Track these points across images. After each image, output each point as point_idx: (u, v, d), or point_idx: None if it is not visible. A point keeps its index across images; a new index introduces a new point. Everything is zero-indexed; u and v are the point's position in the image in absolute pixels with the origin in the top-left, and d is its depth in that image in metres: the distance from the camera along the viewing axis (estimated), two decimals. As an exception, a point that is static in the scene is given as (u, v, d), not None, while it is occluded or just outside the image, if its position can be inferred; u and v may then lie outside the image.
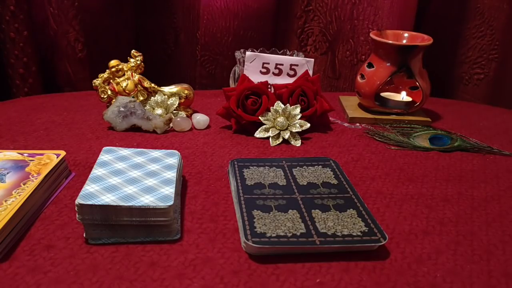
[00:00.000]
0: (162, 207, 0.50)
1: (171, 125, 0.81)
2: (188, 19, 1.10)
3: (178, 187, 0.58)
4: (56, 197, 0.59)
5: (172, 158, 0.62)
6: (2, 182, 0.56)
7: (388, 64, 0.85)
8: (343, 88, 1.15)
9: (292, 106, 0.80)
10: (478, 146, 0.79)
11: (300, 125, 0.79)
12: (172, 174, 0.57)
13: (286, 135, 0.78)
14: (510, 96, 1.09)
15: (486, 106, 1.05)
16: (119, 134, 0.79)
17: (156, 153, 0.63)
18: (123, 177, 0.55)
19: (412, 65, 0.84)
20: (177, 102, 0.84)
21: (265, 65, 0.87)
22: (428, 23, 1.15)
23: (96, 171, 0.56)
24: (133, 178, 0.56)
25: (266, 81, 0.84)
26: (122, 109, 0.79)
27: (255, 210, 0.55)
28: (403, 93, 0.92)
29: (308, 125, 0.79)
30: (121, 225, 0.50)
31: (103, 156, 0.60)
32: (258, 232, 0.51)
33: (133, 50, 0.84)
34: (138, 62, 0.84)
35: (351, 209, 0.56)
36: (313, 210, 0.55)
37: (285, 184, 0.62)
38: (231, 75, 0.95)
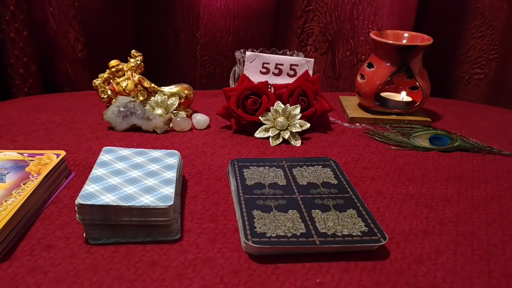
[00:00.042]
0: (162, 207, 0.50)
1: (171, 125, 0.81)
2: (188, 19, 1.10)
3: (178, 187, 0.58)
4: (56, 197, 0.59)
5: (172, 158, 0.62)
6: (2, 182, 0.56)
7: (388, 64, 0.85)
8: (343, 88, 1.15)
9: (292, 106, 0.80)
10: (478, 146, 0.79)
11: (300, 125, 0.79)
12: (172, 174, 0.57)
13: (286, 135, 0.78)
14: (510, 96, 1.09)
15: (486, 106, 1.05)
16: (119, 134, 0.79)
17: (156, 153, 0.63)
18: (123, 177, 0.55)
19: (412, 65, 0.84)
20: (177, 102, 0.84)
21: (265, 65, 0.87)
22: (428, 23, 1.15)
23: (96, 171, 0.56)
24: (133, 178, 0.56)
25: (266, 81, 0.84)
26: (122, 109, 0.79)
27: (255, 210, 0.55)
28: (403, 93, 0.92)
29: (308, 125, 0.79)
30: (121, 225, 0.50)
31: (103, 156, 0.60)
32: (258, 232, 0.51)
33: (133, 50, 0.84)
34: (138, 62, 0.84)
35: (351, 209, 0.56)
36: (313, 210, 0.55)
37: (285, 184, 0.62)
38: (231, 75, 0.95)
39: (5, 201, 0.52)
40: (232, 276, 0.47)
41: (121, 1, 1.07)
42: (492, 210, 0.61)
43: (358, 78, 0.90)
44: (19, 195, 0.53)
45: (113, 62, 0.83)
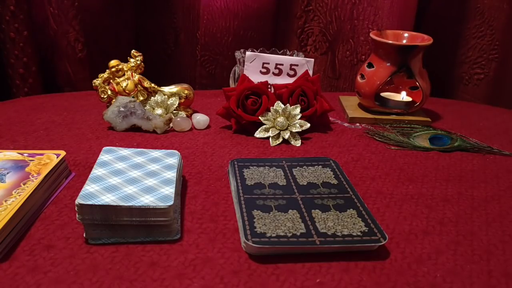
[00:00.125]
0: (162, 207, 0.50)
1: (171, 125, 0.81)
2: (188, 19, 1.10)
3: (178, 187, 0.58)
4: (56, 197, 0.59)
5: (172, 158, 0.62)
6: (2, 182, 0.56)
7: (388, 64, 0.85)
8: (343, 88, 1.15)
9: (292, 106, 0.80)
10: (478, 146, 0.79)
11: (300, 125, 0.79)
12: (172, 174, 0.57)
13: (286, 135, 0.78)
14: (510, 96, 1.09)
15: (486, 106, 1.05)
16: (119, 134, 0.79)
17: (156, 153, 0.63)
18: (123, 177, 0.55)
19: (412, 65, 0.84)
20: (177, 102, 0.84)
21: (265, 65, 0.87)
22: (428, 23, 1.15)
23: (96, 171, 0.56)
24: (133, 178, 0.56)
25: (266, 81, 0.84)
26: (122, 109, 0.79)
27: (255, 210, 0.55)
28: (403, 93, 0.92)
29: (308, 125, 0.79)
30: (121, 225, 0.50)
31: (103, 156, 0.60)
32: (258, 232, 0.51)
33: (133, 50, 0.84)
34: (138, 62, 0.84)
35: (351, 209, 0.56)
36: (313, 210, 0.55)
37: (285, 184, 0.62)
38: (231, 75, 0.95)
39: (5, 201, 0.52)
40: (232, 276, 0.47)
41: (121, 1, 1.07)
42: (492, 210, 0.61)
43: (358, 78, 0.90)
44: (19, 195, 0.53)
45: (113, 62, 0.83)
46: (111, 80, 0.83)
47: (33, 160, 0.62)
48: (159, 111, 0.82)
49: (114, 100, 0.82)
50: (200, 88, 1.12)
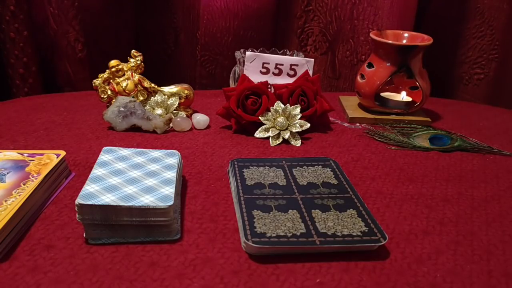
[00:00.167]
0: (162, 207, 0.50)
1: (171, 125, 0.81)
2: (188, 19, 1.10)
3: (178, 187, 0.58)
4: (56, 197, 0.59)
5: (172, 158, 0.62)
6: (2, 182, 0.56)
7: (388, 64, 0.85)
8: (343, 88, 1.15)
9: (292, 106, 0.80)
10: (478, 146, 0.79)
11: (300, 125, 0.79)
12: (172, 174, 0.57)
13: (286, 135, 0.78)
14: (510, 96, 1.09)
15: (486, 106, 1.05)
16: (119, 134, 0.79)
17: (156, 153, 0.63)
18: (123, 177, 0.55)
19: (412, 65, 0.84)
20: (177, 102, 0.84)
21: (265, 65, 0.87)
22: (428, 23, 1.15)
23: (96, 171, 0.56)
24: (133, 178, 0.56)
25: (266, 81, 0.84)
26: (122, 109, 0.79)
27: (255, 210, 0.55)
28: (403, 93, 0.92)
29: (308, 125, 0.79)
30: (121, 225, 0.50)
31: (103, 156, 0.60)
32: (258, 232, 0.51)
33: (133, 50, 0.84)
34: (138, 62, 0.84)
35: (351, 209, 0.56)
36: (313, 210, 0.55)
37: (285, 184, 0.62)
38: (231, 75, 0.95)
39: (5, 201, 0.52)
40: (232, 276, 0.47)
41: (121, 1, 1.07)
42: (492, 210, 0.61)
43: (358, 78, 0.90)
44: (19, 195, 0.53)
45: (113, 62, 0.83)
46: (111, 80, 0.83)
47: (33, 160, 0.62)
48: (159, 111, 0.82)
49: (114, 100, 0.82)
50: (200, 88, 1.12)
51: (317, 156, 0.73)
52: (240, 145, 0.76)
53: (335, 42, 1.13)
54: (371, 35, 0.86)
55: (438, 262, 0.50)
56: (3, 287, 0.44)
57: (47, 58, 1.03)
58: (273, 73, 0.87)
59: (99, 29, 1.06)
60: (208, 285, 0.45)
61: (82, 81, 1.05)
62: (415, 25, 1.08)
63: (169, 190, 0.53)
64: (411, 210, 0.60)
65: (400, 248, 0.52)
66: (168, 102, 0.83)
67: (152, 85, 0.85)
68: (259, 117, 0.79)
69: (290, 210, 0.55)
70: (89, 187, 0.52)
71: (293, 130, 0.79)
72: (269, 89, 0.83)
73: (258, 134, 0.79)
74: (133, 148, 0.64)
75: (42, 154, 0.64)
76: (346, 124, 0.87)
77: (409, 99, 0.91)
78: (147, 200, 0.51)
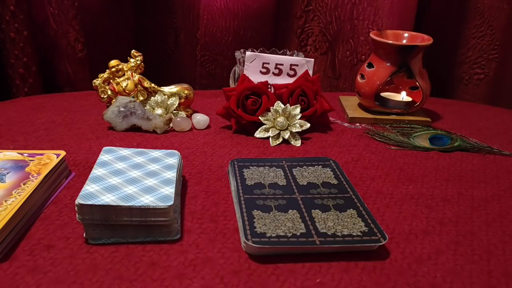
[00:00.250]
0: (162, 207, 0.50)
1: (171, 125, 0.81)
2: (188, 19, 1.10)
3: (178, 187, 0.58)
4: (56, 197, 0.59)
5: (172, 158, 0.62)
6: (2, 182, 0.56)
7: (388, 64, 0.85)
8: (343, 88, 1.15)
9: (292, 106, 0.80)
10: (478, 146, 0.79)
11: (300, 125, 0.79)
12: (172, 174, 0.57)
13: (286, 135, 0.78)
14: (510, 96, 1.09)
15: (486, 106, 1.06)
16: (119, 134, 0.79)
17: (156, 153, 0.63)
18: (123, 177, 0.55)
19: (412, 65, 0.84)
20: (177, 102, 0.84)
21: (265, 65, 0.87)
22: (428, 23, 1.15)
23: (96, 171, 0.56)
24: (133, 178, 0.56)
25: (266, 81, 0.84)
26: (122, 109, 0.79)
27: (255, 210, 0.55)
28: (403, 93, 0.92)
29: (308, 125, 0.79)
30: (121, 225, 0.50)
31: (103, 156, 0.60)
32: (258, 232, 0.51)
33: (133, 50, 0.84)
34: (138, 62, 0.84)
35: (351, 209, 0.56)
36: (313, 210, 0.55)
37: (285, 184, 0.62)
38: (231, 75, 0.95)
39: (5, 201, 0.52)
40: (232, 276, 0.47)
41: (121, 1, 1.07)
42: (492, 210, 0.61)
43: (358, 78, 0.90)
44: (19, 195, 0.53)
45: (113, 62, 0.83)
46: (111, 80, 0.83)
47: (33, 160, 0.62)
48: (159, 111, 0.82)
49: (114, 100, 0.82)
50: (200, 88, 1.12)
51: (317, 156, 0.73)
52: (240, 145, 0.76)
53: (335, 42, 1.13)
54: (371, 35, 0.86)
55: (438, 262, 0.50)
56: (3, 287, 0.44)
57: (47, 58, 1.03)
58: (273, 73, 0.87)
59: (99, 29, 1.06)
60: (208, 285, 0.45)
61: (82, 81, 1.05)
62: (415, 25, 1.08)
63: (169, 190, 0.53)
64: (411, 210, 0.60)
65: (400, 248, 0.52)
66: (168, 102, 0.83)
67: (152, 85, 0.85)
68: (259, 117, 0.79)
69: (290, 210, 0.55)
70: (89, 187, 0.52)
71: (293, 130, 0.79)
72: (269, 89, 0.83)
73: (258, 134, 0.79)
74: (133, 148, 0.64)
75: (42, 154, 0.64)
76: (346, 124, 0.87)
77: (409, 99, 0.91)
78: (147, 200, 0.51)
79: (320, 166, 0.67)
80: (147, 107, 0.83)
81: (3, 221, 0.48)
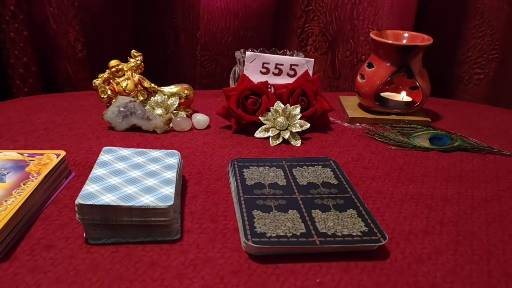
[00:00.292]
0: (162, 207, 0.50)
1: (171, 125, 0.81)
2: (188, 19, 1.10)
3: (178, 187, 0.58)
4: (56, 197, 0.59)
5: (172, 158, 0.62)
6: (2, 182, 0.56)
7: (388, 64, 0.85)
8: (343, 88, 1.15)
9: (292, 106, 0.80)
10: (478, 146, 0.79)
11: (300, 125, 0.79)
12: (172, 174, 0.57)
13: (286, 135, 0.78)
14: (510, 96, 1.09)
15: (486, 106, 1.06)
16: (119, 134, 0.79)
17: (156, 153, 0.63)
18: (123, 177, 0.55)
19: (412, 65, 0.84)
20: (177, 102, 0.84)
21: (265, 65, 0.87)
22: (428, 23, 1.15)
23: (96, 171, 0.56)
24: (133, 178, 0.56)
25: (266, 81, 0.84)
26: (122, 109, 0.79)
27: (255, 210, 0.55)
28: (403, 93, 0.92)
29: (308, 125, 0.79)
30: (121, 225, 0.50)
31: (103, 156, 0.60)
32: (258, 232, 0.51)
33: (133, 50, 0.84)
34: (138, 62, 0.84)
35: (351, 209, 0.56)
36: (313, 210, 0.55)
37: (285, 184, 0.62)
38: (231, 75, 0.95)
39: (5, 201, 0.52)
40: (232, 276, 0.47)
41: (121, 1, 1.07)
42: (492, 210, 0.61)
43: (358, 78, 0.90)
44: (19, 195, 0.53)
45: (113, 62, 0.83)
46: (111, 80, 0.83)
47: (33, 160, 0.62)
48: (159, 111, 0.82)
49: (114, 100, 0.82)
50: (200, 88, 1.12)
51: (317, 156, 0.73)
52: (240, 145, 0.76)
53: (335, 42, 1.13)
54: (371, 35, 0.86)
55: (438, 262, 0.50)
56: (3, 287, 0.44)
57: (47, 58, 1.03)
58: (273, 73, 0.87)
59: (99, 29, 1.06)
60: (208, 285, 0.45)
61: (82, 81, 1.05)
62: (415, 25, 1.08)
63: (169, 190, 0.53)
64: (411, 210, 0.60)
65: (400, 248, 0.52)
66: (168, 102, 0.83)
67: (152, 85, 0.85)
68: (259, 117, 0.79)
69: (290, 210, 0.55)
70: (89, 187, 0.52)
71: (293, 130, 0.79)
72: (269, 89, 0.83)
73: (258, 134, 0.79)
74: (133, 148, 0.64)
75: (42, 154, 0.64)
76: (346, 124, 0.87)
77: (409, 99, 0.91)
78: (147, 200, 0.51)
79: (320, 166, 0.67)
80: (147, 107, 0.83)
81: (3, 221, 0.48)
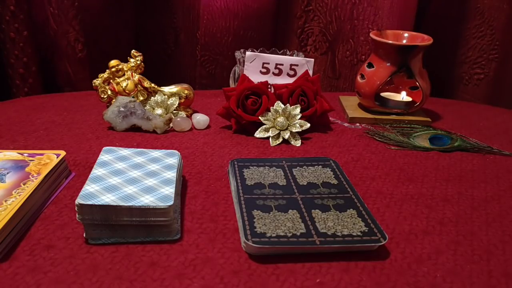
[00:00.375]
0: (162, 207, 0.50)
1: (171, 125, 0.81)
2: (188, 19, 1.10)
3: (178, 187, 0.58)
4: (56, 197, 0.59)
5: (172, 158, 0.62)
6: (2, 182, 0.56)
7: (388, 64, 0.85)
8: (343, 88, 1.15)
9: (292, 106, 0.80)
10: (478, 146, 0.79)
11: (300, 125, 0.79)
12: (172, 174, 0.57)
13: (286, 135, 0.78)
14: (510, 96, 1.09)
15: (486, 106, 1.06)
16: (119, 134, 0.79)
17: (156, 153, 0.63)
18: (123, 177, 0.55)
19: (412, 65, 0.84)
20: (177, 102, 0.84)
21: (265, 65, 0.87)
22: (428, 23, 1.15)
23: (96, 171, 0.56)
24: (133, 178, 0.56)
25: (266, 81, 0.84)
26: (122, 109, 0.79)
27: (255, 210, 0.55)
28: (403, 93, 0.92)
29: (308, 125, 0.79)
30: (121, 225, 0.50)
31: (103, 156, 0.60)
32: (258, 232, 0.51)
33: (133, 50, 0.84)
34: (138, 62, 0.84)
35: (351, 209, 0.56)
36: (313, 210, 0.55)
37: (285, 184, 0.62)
38: (231, 75, 0.95)
39: (5, 201, 0.52)
40: (232, 276, 0.47)
41: (121, 1, 1.07)
42: (492, 210, 0.61)
43: (358, 78, 0.90)
44: (19, 195, 0.53)
45: (113, 62, 0.83)
46: (111, 80, 0.83)
47: (33, 160, 0.62)
48: (159, 111, 0.82)
49: (114, 100, 0.82)
50: (200, 88, 1.12)
51: (317, 156, 0.73)
52: (240, 145, 0.76)
53: (335, 42, 1.13)
54: (371, 35, 0.86)
55: (438, 262, 0.50)
56: (3, 287, 0.44)
57: (47, 58, 1.03)
58: (273, 73, 0.87)
59: (99, 29, 1.06)
60: (208, 285, 0.45)
61: (82, 81, 1.05)
62: (415, 25, 1.08)
63: (169, 190, 0.53)
64: (411, 210, 0.60)
65: (400, 248, 0.52)
66: (168, 102, 0.83)
67: (152, 85, 0.85)
68: (259, 117, 0.79)
69: (290, 210, 0.55)
70: (89, 187, 0.52)
71: (293, 130, 0.79)
72: (269, 89, 0.83)
73: (258, 134, 0.79)
74: (133, 148, 0.64)
75: (42, 154, 0.64)
76: (346, 124, 0.87)
77: (409, 99, 0.91)
78: (147, 200, 0.51)
79: (320, 166, 0.67)
80: (147, 107, 0.83)
81: (3, 221, 0.48)
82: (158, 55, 1.17)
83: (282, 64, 0.86)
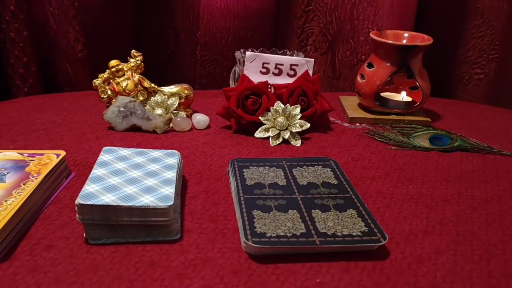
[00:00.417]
0: (162, 207, 0.50)
1: (171, 125, 0.81)
2: (188, 19, 1.10)
3: (178, 187, 0.58)
4: (56, 197, 0.59)
5: (172, 158, 0.62)
6: (2, 182, 0.56)
7: (388, 64, 0.85)
8: (343, 88, 1.15)
9: (292, 106, 0.80)
10: (478, 146, 0.79)
11: (300, 125, 0.79)
12: (172, 174, 0.57)
13: (286, 135, 0.78)
14: (510, 96, 1.09)
15: (486, 106, 1.06)
16: (119, 134, 0.79)
17: (156, 153, 0.63)
18: (123, 177, 0.55)
19: (412, 65, 0.84)
20: (177, 102, 0.84)
21: (265, 65, 0.87)
22: (428, 23, 1.15)
23: (96, 171, 0.56)
24: (133, 178, 0.56)
25: (266, 81, 0.84)
26: (122, 109, 0.79)
27: (255, 210, 0.55)
28: (403, 93, 0.92)
29: (308, 125, 0.79)
30: (121, 225, 0.50)
31: (103, 156, 0.60)
32: (258, 232, 0.51)
33: (133, 50, 0.84)
34: (138, 62, 0.84)
35: (351, 209, 0.56)
36: (313, 210, 0.55)
37: (285, 184, 0.62)
38: (231, 75, 0.95)
39: (5, 201, 0.52)
40: (232, 276, 0.47)
41: (121, 1, 1.07)
42: (492, 210, 0.61)
43: (358, 78, 0.90)
44: (19, 195, 0.53)
45: (113, 62, 0.83)
46: (111, 80, 0.83)
47: (33, 160, 0.62)
48: (159, 111, 0.82)
49: (114, 100, 0.82)
50: (200, 88, 1.12)
51: (317, 156, 0.73)
52: (240, 145, 0.76)
53: (335, 42, 1.13)
54: (371, 35, 0.86)
55: (438, 262, 0.50)
56: (3, 287, 0.44)
57: (47, 58, 1.03)
58: (273, 73, 0.87)
59: (99, 29, 1.06)
60: (208, 285, 0.45)
61: (82, 81, 1.05)
62: (415, 25, 1.08)
63: (169, 190, 0.53)
64: (411, 210, 0.60)
65: (400, 248, 0.52)
66: (168, 102, 0.83)
67: (152, 85, 0.85)
68: (259, 117, 0.79)
69: (290, 210, 0.55)
70: (89, 187, 0.52)
71: (293, 130, 0.79)
72: (269, 89, 0.83)
73: (258, 134, 0.79)
74: (133, 148, 0.64)
75: (42, 154, 0.64)
76: (346, 124, 0.87)
77: (409, 99, 0.91)
78: (147, 200, 0.51)
79: (320, 166, 0.67)
80: (147, 107, 0.83)
81: (3, 221, 0.48)
82: (158, 55, 1.17)
83: (282, 64, 0.86)
